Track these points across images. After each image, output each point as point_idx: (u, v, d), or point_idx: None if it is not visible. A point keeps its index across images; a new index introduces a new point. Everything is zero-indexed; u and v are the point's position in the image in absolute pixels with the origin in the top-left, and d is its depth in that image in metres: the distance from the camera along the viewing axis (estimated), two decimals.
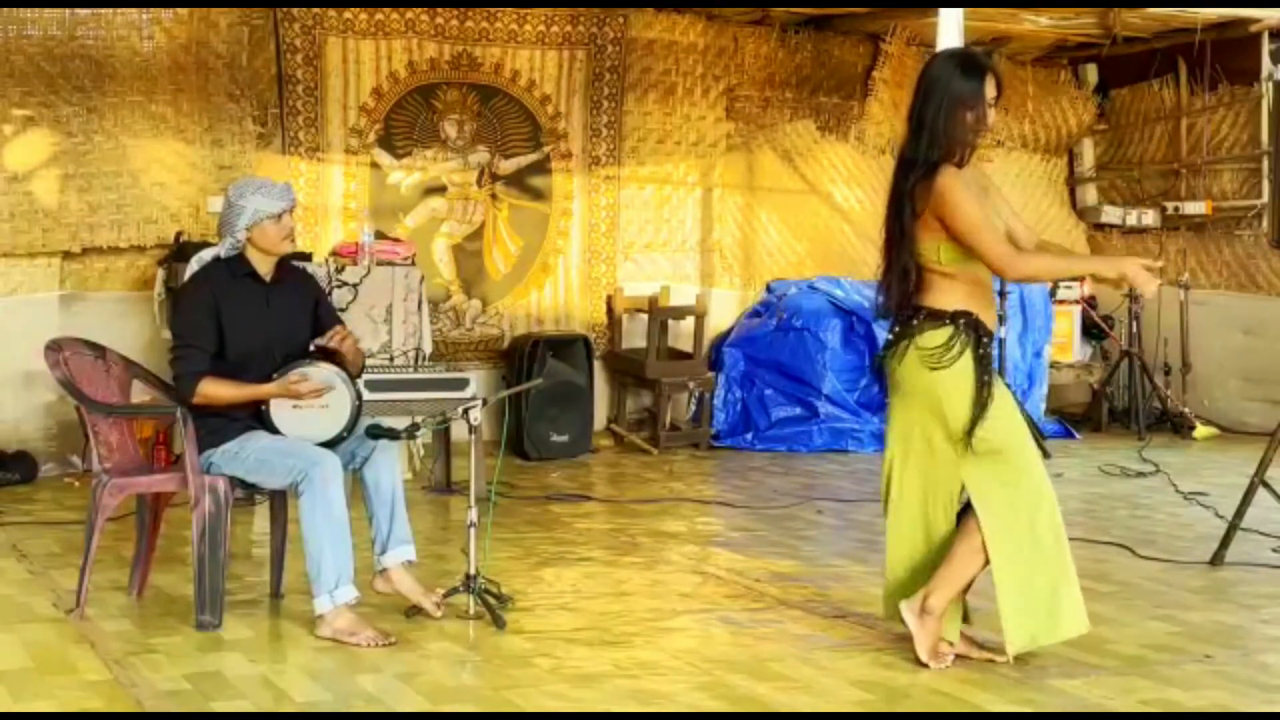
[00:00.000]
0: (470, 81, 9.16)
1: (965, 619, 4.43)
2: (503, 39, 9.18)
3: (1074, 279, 3.70)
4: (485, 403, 5.09)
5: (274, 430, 4.80)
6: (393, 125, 8.98)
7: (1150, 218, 10.54)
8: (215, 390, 4.75)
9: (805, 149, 10.23)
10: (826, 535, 6.57)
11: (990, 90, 4.21)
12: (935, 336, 4.23)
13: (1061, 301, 10.13)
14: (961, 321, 4.23)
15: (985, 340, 4.25)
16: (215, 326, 4.80)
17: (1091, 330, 10.53)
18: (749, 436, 9.24)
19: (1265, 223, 9.55)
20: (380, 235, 8.15)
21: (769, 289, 9.88)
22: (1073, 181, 11.21)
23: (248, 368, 4.81)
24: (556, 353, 8.88)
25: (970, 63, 4.25)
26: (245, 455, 4.76)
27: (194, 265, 5.03)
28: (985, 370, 4.23)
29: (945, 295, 4.26)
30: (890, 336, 4.35)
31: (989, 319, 4.29)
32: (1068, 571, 4.28)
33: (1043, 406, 9.64)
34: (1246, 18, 9.49)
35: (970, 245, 4.16)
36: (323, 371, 4.83)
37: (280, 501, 5.18)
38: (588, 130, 9.50)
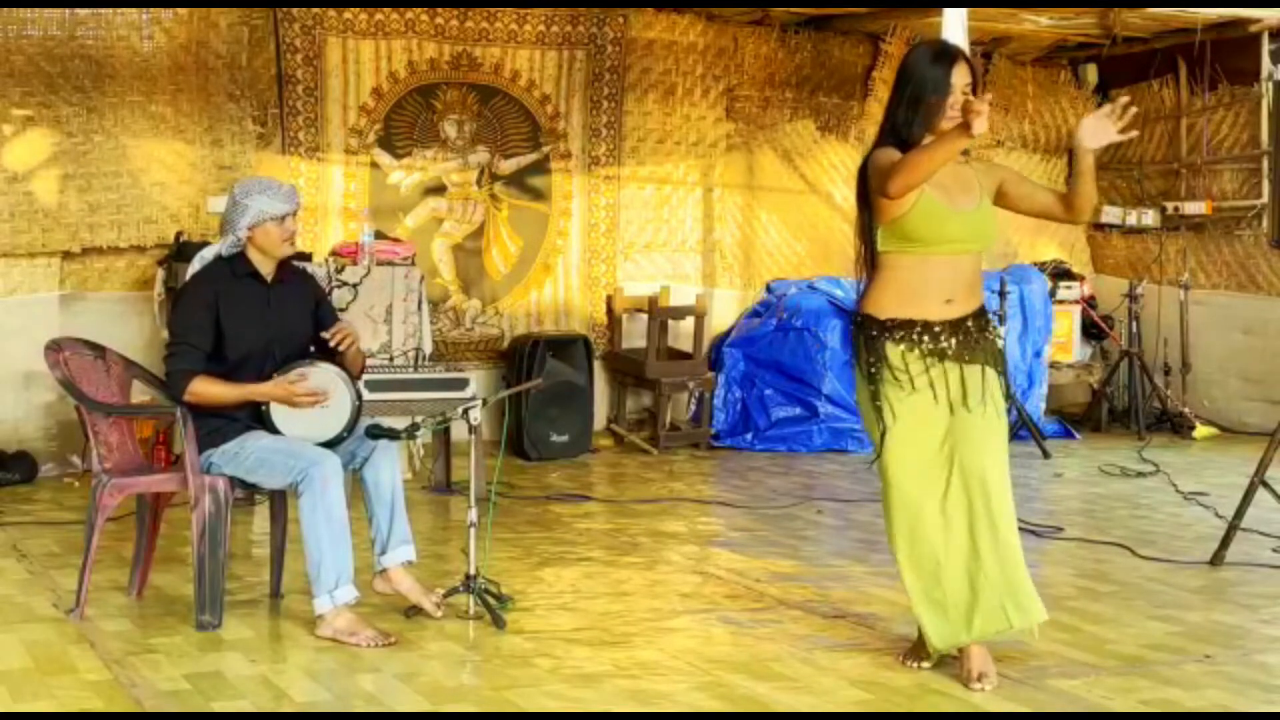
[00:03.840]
0: (470, 81, 9.17)
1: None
2: (503, 39, 9.18)
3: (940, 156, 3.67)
4: (485, 403, 5.09)
5: (274, 430, 4.80)
6: (393, 125, 8.98)
7: (1150, 218, 10.53)
8: (207, 389, 4.74)
9: (805, 149, 10.23)
10: (826, 535, 6.57)
11: (961, 77, 4.19)
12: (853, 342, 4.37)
13: (1061, 302, 10.14)
14: (855, 325, 4.31)
15: (876, 334, 4.22)
16: (212, 326, 4.80)
17: (1091, 330, 10.53)
18: (749, 436, 9.24)
19: (1265, 223, 9.54)
20: (380, 235, 8.15)
21: (769, 289, 9.88)
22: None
23: (247, 368, 4.82)
24: (556, 353, 8.88)
25: (941, 51, 4.28)
26: (245, 455, 4.76)
27: (196, 264, 5.03)
28: (867, 369, 4.24)
29: (869, 296, 4.30)
30: None
31: (908, 308, 4.21)
32: (946, 593, 4.18)
33: (1043, 406, 9.65)
34: (1246, 18, 9.49)
35: (879, 188, 4.14)
36: (322, 371, 4.83)
37: (280, 501, 5.18)
38: (587, 130, 9.50)
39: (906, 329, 4.22)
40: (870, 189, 4.22)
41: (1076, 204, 4.33)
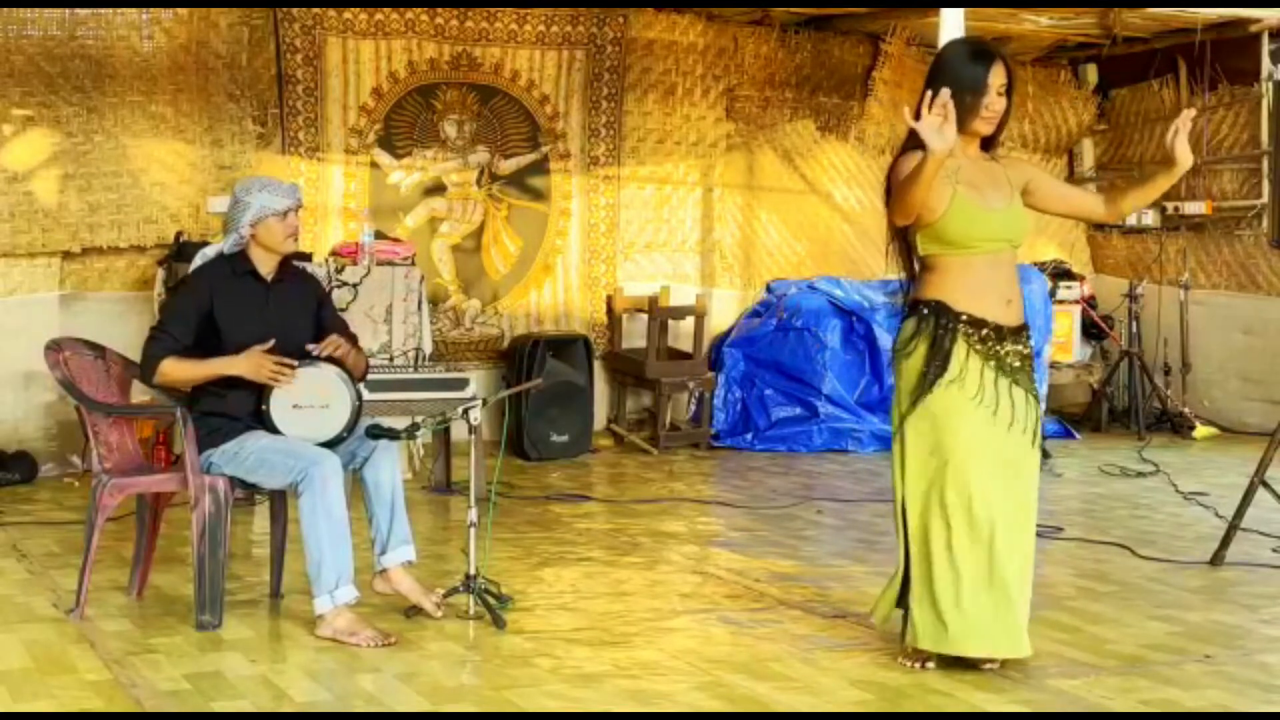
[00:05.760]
0: (470, 81, 9.16)
1: None
2: (502, 39, 9.18)
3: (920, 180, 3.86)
4: (485, 403, 5.09)
5: (274, 430, 4.80)
6: (393, 125, 8.98)
7: (1150, 218, 10.52)
8: (175, 369, 4.76)
9: (805, 149, 10.23)
10: (826, 535, 6.57)
11: (997, 77, 4.20)
12: (905, 329, 4.30)
13: (1061, 302, 10.14)
14: (924, 310, 4.25)
15: (950, 324, 4.19)
16: (198, 321, 4.80)
17: (1091, 330, 10.54)
18: (749, 436, 9.24)
19: (1265, 223, 9.54)
20: (380, 235, 8.16)
21: (769, 289, 9.88)
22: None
23: None
24: (556, 353, 8.88)
25: (980, 49, 4.26)
26: (245, 455, 4.76)
27: (198, 261, 5.04)
28: (936, 355, 4.18)
29: (923, 287, 4.29)
30: None
31: (979, 305, 4.20)
32: (934, 595, 4.19)
33: (1042, 406, 9.64)
34: (1246, 18, 9.49)
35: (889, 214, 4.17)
36: (322, 371, 4.83)
37: (280, 501, 5.18)
38: (587, 130, 9.50)
39: (978, 327, 4.20)
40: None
41: (1125, 207, 4.35)
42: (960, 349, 4.19)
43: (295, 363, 4.77)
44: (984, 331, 4.21)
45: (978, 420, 4.18)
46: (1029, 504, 4.26)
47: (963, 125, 4.20)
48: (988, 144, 4.36)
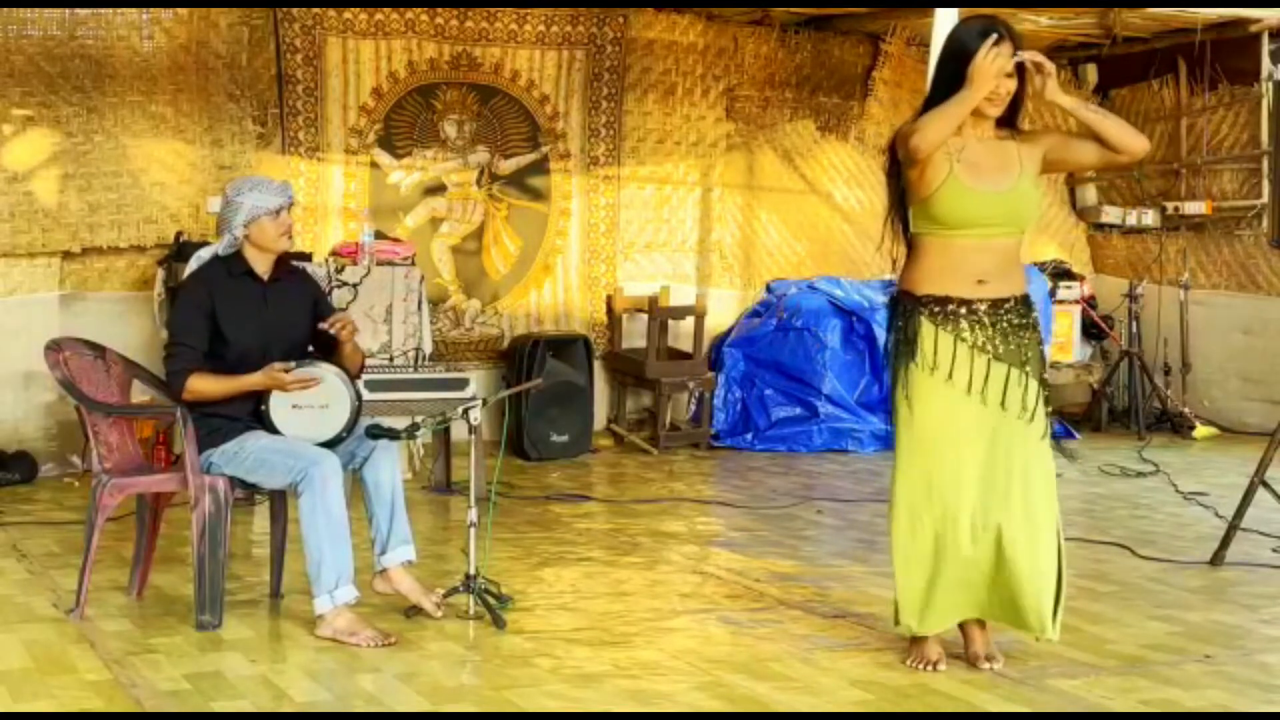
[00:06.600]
0: (470, 81, 9.17)
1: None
2: (502, 39, 9.18)
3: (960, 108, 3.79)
4: (485, 403, 5.09)
5: (274, 430, 4.80)
6: (393, 125, 8.98)
7: (1150, 218, 10.54)
8: (203, 385, 4.75)
9: (805, 149, 10.23)
10: (826, 535, 6.57)
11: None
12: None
13: (1061, 301, 10.14)
14: (892, 301, 4.32)
15: (912, 309, 4.21)
16: (208, 325, 4.81)
17: (1091, 330, 10.54)
18: (749, 436, 9.24)
19: (1265, 223, 9.54)
20: (380, 235, 8.16)
21: (769, 289, 9.88)
22: (1072, 181, 11.21)
23: (246, 366, 4.81)
24: (556, 353, 8.88)
25: (988, 28, 4.16)
26: (245, 455, 4.76)
27: (193, 264, 5.04)
28: (903, 343, 4.22)
29: (904, 274, 4.31)
30: None
31: (944, 285, 4.19)
32: (944, 579, 4.22)
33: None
34: (1246, 18, 9.49)
35: (903, 154, 4.16)
36: (321, 371, 4.83)
37: (280, 501, 5.18)
38: (586, 130, 9.50)
39: (942, 305, 4.19)
40: (899, 159, 4.22)
41: (1110, 144, 4.20)
42: (927, 331, 4.19)
43: (310, 379, 4.77)
44: (949, 308, 4.19)
45: (949, 401, 4.18)
46: (1038, 488, 4.25)
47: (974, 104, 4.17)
48: (1009, 123, 4.29)
